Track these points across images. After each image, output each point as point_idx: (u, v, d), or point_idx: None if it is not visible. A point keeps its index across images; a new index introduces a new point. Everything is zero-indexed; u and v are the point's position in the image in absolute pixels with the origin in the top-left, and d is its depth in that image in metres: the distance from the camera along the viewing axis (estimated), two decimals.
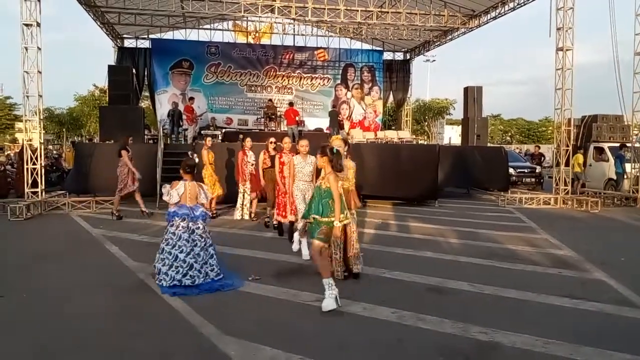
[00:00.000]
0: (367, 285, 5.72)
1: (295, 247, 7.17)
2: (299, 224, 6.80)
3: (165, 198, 5.60)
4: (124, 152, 10.48)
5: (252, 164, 10.32)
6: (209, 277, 5.55)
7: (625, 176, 14.78)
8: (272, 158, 8.91)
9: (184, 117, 17.37)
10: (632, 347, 4.01)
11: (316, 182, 5.47)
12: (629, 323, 4.66)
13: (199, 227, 5.56)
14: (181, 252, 5.42)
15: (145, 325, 4.53)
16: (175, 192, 5.49)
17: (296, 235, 7.18)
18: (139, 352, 3.96)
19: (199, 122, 18.97)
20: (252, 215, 10.64)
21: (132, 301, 5.19)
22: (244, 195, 10.57)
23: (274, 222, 8.86)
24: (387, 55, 25.28)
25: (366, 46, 24.72)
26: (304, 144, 7.14)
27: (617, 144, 15.51)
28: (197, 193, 5.63)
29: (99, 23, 19.56)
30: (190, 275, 5.42)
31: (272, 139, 9.62)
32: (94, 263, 6.93)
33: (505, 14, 18.14)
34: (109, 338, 4.25)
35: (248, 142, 10.65)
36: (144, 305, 5.07)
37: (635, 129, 14.87)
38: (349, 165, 6.05)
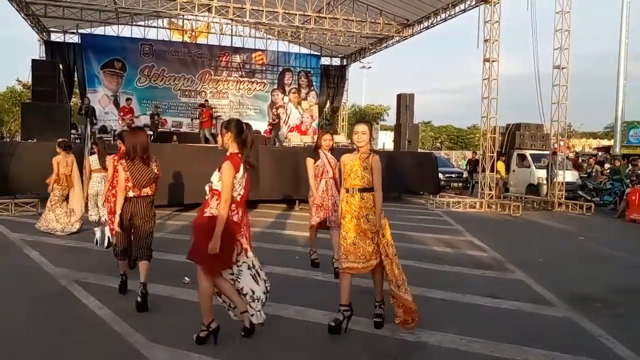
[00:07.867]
0: (294, 288, 5.74)
1: None
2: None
3: None
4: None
5: None
6: None
7: (544, 182, 15.72)
8: None
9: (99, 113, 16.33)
10: (547, 343, 4.29)
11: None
12: (544, 320, 4.96)
13: None
14: None
15: (68, 335, 4.31)
16: None
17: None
18: None
19: (135, 122, 18.24)
20: None
21: (54, 310, 4.92)
22: None
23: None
24: (325, 61, 25.54)
25: (304, 50, 24.86)
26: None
27: (545, 152, 16.25)
28: None
29: (22, 14, 18.40)
30: None
31: None
32: (12, 269, 6.54)
33: (437, 24, 18.81)
34: (28, 350, 4.01)
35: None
36: (67, 313, 4.82)
37: (553, 137, 15.82)
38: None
